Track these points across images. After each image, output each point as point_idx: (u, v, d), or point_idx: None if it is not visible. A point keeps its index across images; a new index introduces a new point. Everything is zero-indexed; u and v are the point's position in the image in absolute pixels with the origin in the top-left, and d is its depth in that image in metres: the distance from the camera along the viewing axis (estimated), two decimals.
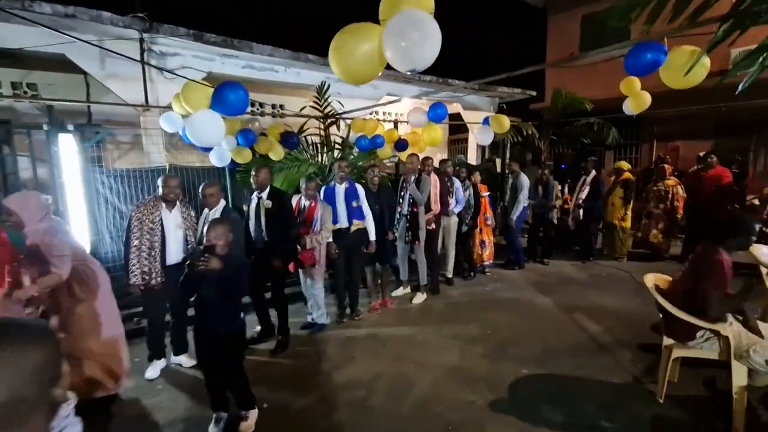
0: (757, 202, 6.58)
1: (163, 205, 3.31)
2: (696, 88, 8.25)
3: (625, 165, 6.91)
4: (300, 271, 4.19)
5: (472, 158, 9.05)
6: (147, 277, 3.20)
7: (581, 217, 6.60)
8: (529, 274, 6.16)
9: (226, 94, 2.68)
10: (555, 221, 6.80)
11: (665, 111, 8.21)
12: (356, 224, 4.25)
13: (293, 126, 5.77)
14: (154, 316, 3.44)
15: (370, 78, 1.81)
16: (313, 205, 3.99)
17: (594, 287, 5.46)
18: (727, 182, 6.34)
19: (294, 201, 4.12)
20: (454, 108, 9.38)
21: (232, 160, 4.73)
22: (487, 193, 6.02)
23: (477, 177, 5.96)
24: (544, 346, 3.77)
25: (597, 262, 6.68)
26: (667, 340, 2.85)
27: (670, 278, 3.07)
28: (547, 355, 3.60)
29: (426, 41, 1.58)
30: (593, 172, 6.59)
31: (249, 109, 7.04)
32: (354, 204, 4.26)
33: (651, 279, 3.00)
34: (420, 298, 5.04)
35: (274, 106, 7.34)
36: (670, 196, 6.49)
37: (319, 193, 4.27)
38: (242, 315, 2.60)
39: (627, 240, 6.77)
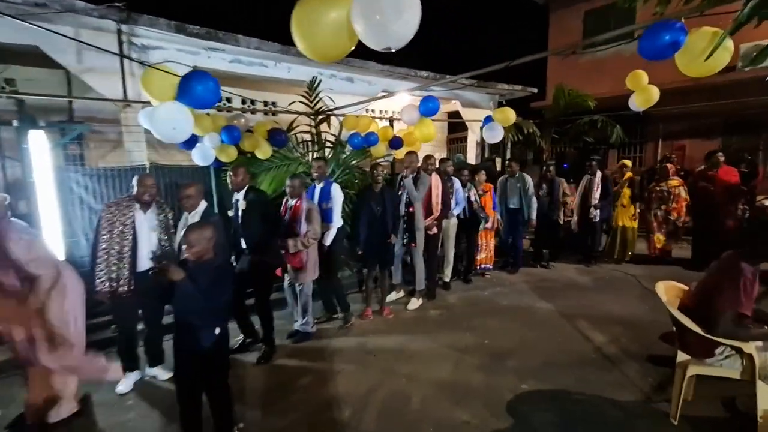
0: (767, 202, 6.32)
1: (137, 206, 3.06)
2: (703, 85, 7.99)
3: (628, 163, 6.63)
4: (286, 275, 3.94)
5: (472, 157, 8.79)
6: (114, 284, 2.95)
7: (597, 218, 6.29)
8: (529, 278, 5.89)
9: (192, 85, 2.44)
10: (561, 221, 6.43)
11: (672, 108, 7.95)
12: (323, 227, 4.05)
13: (284, 123, 5.54)
14: (123, 325, 3.20)
15: (339, 54, 1.55)
16: (297, 203, 3.74)
17: (598, 292, 5.19)
18: (735, 182, 6.07)
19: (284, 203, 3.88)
20: (452, 106, 9.13)
21: (216, 158, 4.50)
22: (480, 192, 5.67)
23: (482, 176, 5.71)
24: (546, 358, 3.51)
25: (600, 265, 6.41)
26: (681, 356, 2.59)
27: (684, 287, 2.80)
28: (548, 368, 3.34)
29: (403, 13, 1.32)
30: (599, 172, 6.32)
31: (241, 105, 6.85)
32: (323, 205, 4.04)
33: (663, 288, 2.75)
34: (415, 303, 4.79)
35: (266, 104, 7.10)
36: (672, 197, 6.22)
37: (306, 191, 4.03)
38: (225, 327, 2.34)
39: (634, 242, 6.50)
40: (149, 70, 2.54)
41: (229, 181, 3.37)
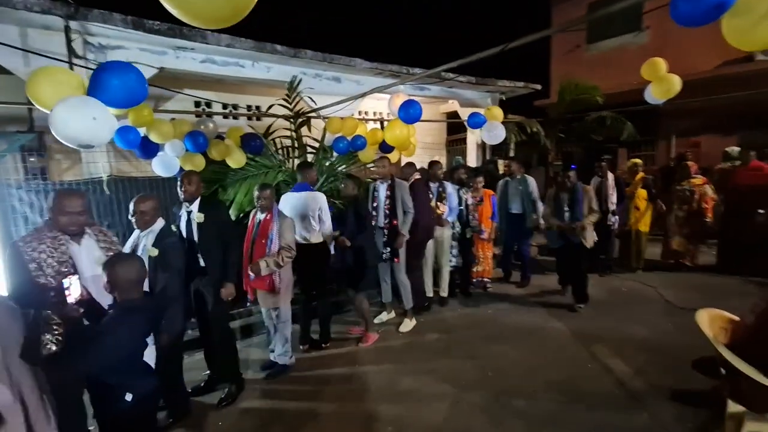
0: None
1: (67, 237, 2.26)
2: (720, 77, 7.38)
3: (639, 162, 6.06)
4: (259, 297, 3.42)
5: (472, 159, 8.26)
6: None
7: (616, 225, 5.72)
8: (536, 291, 5.34)
9: (106, 80, 1.94)
10: (587, 243, 4.52)
11: (686, 102, 7.38)
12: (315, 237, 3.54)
13: (264, 129, 5.06)
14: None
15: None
16: (268, 217, 3.23)
17: (615, 308, 4.63)
18: (765, 181, 5.50)
19: (251, 216, 3.38)
20: (450, 106, 8.62)
21: (181, 168, 4.02)
22: (476, 199, 5.12)
23: (479, 182, 5.18)
24: (560, 396, 2.96)
25: (615, 274, 5.84)
26: (733, 406, 2.05)
27: (733, 317, 2.26)
28: (564, 410, 2.80)
29: None
30: (610, 174, 5.76)
31: (222, 110, 6.36)
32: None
33: (707, 319, 2.21)
34: (408, 325, 4.26)
35: (249, 108, 6.63)
36: (696, 197, 5.65)
37: (278, 203, 3.53)
38: (146, 391, 1.80)
39: (647, 248, 5.93)
40: (40, 72, 2.03)
41: (179, 190, 2.87)
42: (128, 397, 1.66)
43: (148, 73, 4.48)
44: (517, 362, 3.49)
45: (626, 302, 4.78)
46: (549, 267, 6.40)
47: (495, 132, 4.54)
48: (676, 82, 3.84)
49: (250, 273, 3.11)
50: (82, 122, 1.94)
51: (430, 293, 4.86)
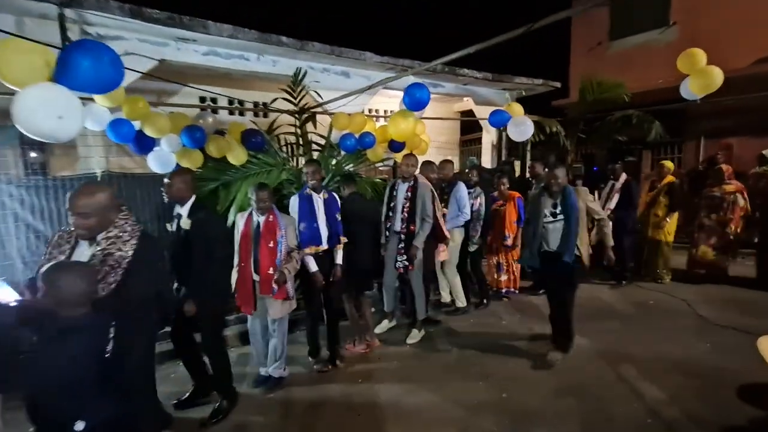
0: None
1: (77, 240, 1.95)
2: (755, 74, 6.88)
3: (670, 165, 5.63)
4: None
5: (487, 160, 7.92)
6: None
7: (609, 230, 5.37)
8: None
9: (77, 60, 1.70)
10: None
11: (718, 101, 6.93)
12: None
13: (268, 125, 4.84)
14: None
15: None
16: (271, 219, 2.97)
17: (641, 322, 4.26)
18: None
19: (242, 219, 3.11)
20: (465, 104, 8.30)
21: (178, 165, 3.81)
22: (498, 203, 4.82)
23: (503, 183, 4.87)
24: (583, 425, 2.64)
25: (637, 285, 5.44)
26: None
27: None
28: None
29: None
30: (623, 176, 5.38)
31: (228, 106, 6.16)
32: (338, 217, 3.36)
33: None
34: (416, 336, 3.98)
35: (256, 104, 6.41)
36: (725, 204, 5.22)
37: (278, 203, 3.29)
38: (102, 419, 1.56)
39: (671, 257, 5.50)
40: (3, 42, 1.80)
41: (165, 190, 2.63)
42: (78, 426, 1.42)
43: (147, 65, 4.30)
44: (533, 382, 3.16)
45: (655, 316, 4.39)
46: None
47: (523, 127, 4.22)
48: (717, 76, 3.47)
49: (275, 285, 2.87)
50: (46, 120, 1.72)
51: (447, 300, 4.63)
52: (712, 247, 5.36)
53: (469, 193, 4.52)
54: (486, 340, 3.95)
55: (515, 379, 3.21)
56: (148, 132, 3.46)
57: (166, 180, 2.61)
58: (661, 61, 8.52)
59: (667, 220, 5.38)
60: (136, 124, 3.48)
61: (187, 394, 2.95)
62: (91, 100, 3.29)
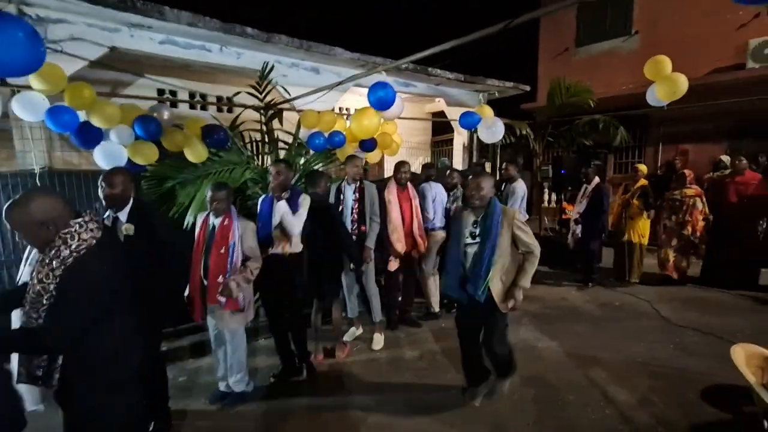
0: None
1: None
2: (709, 84, 7.20)
3: (644, 168, 5.78)
4: (208, 316, 2.90)
5: (458, 161, 7.91)
6: None
7: (580, 235, 5.51)
8: (526, 304, 4.96)
9: None
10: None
11: (674, 108, 7.22)
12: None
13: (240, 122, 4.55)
14: None
15: None
16: (226, 222, 2.74)
17: (609, 324, 4.31)
18: (761, 191, 5.32)
19: (200, 219, 2.88)
20: (437, 105, 8.26)
21: (132, 161, 3.50)
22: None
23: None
24: None
25: (605, 286, 5.55)
26: None
27: None
28: None
29: None
30: (596, 180, 5.49)
31: (189, 100, 5.76)
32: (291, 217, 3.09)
33: (743, 357, 1.86)
34: (380, 340, 3.86)
35: (220, 99, 6.08)
36: (685, 207, 5.41)
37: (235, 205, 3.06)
38: None
39: (642, 260, 5.65)
40: None
41: (101, 193, 2.34)
42: None
43: (96, 52, 3.94)
44: (508, 389, 3.10)
45: (621, 318, 4.47)
46: (537, 276, 6.12)
47: (494, 129, 4.17)
48: (682, 83, 3.55)
49: (220, 298, 2.61)
50: None
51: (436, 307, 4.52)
52: (674, 249, 5.54)
53: (448, 195, 4.45)
54: (456, 345, 3.85)
55: (488, 386, 3.12)
56: (95, 122, 3.14)
57: (102, 182, 2.32)
58: (625, 68, 8.85)
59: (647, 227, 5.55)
60: (81, 115, 3.15)
61: None
62: (28, 87, 2.95)
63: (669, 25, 8.41)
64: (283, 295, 3.16)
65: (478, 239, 2.56)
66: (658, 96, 3.71)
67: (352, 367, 3.50)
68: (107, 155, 3.34)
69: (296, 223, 3.00)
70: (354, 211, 3.67)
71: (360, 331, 4.06)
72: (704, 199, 5.36)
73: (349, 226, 3.65)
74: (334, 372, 3.43)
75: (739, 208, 5.30)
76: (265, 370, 3.42)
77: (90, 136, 3.24)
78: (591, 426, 2.65)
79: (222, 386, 2.97)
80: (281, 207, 2.95)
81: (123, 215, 2.35)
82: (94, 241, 1.54)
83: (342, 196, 3.72)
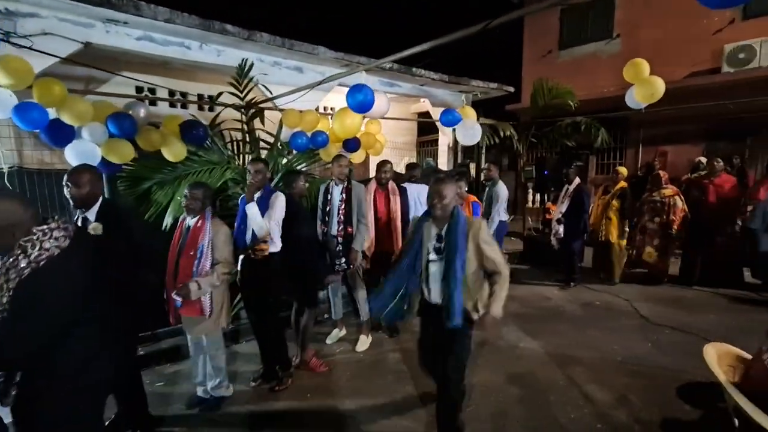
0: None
1: None
2: (687, 87, 7.37)
3: (624, 171, 5.89)
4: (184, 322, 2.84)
5: (443, 162, 7.93)
6: None
7: (561, 235, 5.57)
8: (509, 304, 4.96)
9: None
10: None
11: (654, 111, 7.37)
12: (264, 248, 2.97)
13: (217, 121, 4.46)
14: None
15: None
16: (199, 224, 2.67)
17: (590, 323, 4.37)
18: (736, 193, 5.46)
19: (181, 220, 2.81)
20: (422, 106, 8.26)
21: (106, 160, 3.40)
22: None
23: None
24: None
25: (585, 286, 5.62)
26: None
27: (744, 354, 1.95)
28: None
29: None
30: (576, 181, 5.56)
31: (168, 98, 5.63)
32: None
33: (715, 356, 1.88)
34: (364, 342, 3.82)
35: (201, 97, 5.97)
36: (666, 208, 5.53)
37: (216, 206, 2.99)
38: None
39: (622, 260, 5.75)
40: None
41: (66, 193, 2.26)
42: None
43: (69, 48, 3.82)
44: (489, 389, 3.11)
45: (601, 318, 4.53)
46: (520, 276, 6.18)
47: (471, 132, 4.18)
48: (660, 85, 3.61)
49: (176, 297, 2.54)
50: None
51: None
52: (655, 248, 5.65)
53: None
54: None
55: (468, 388, 3.12)
56: (66, 119, 3.04)
57: (67, 181, 2.23)
58: (607, 71, 8.99)
59: (626, 228, 5.65)
60: (52, 112, 3.04)
61: (112, 418, 2.58)
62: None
63: (649, 29, 8.58)
64: (264, 296, 3.10)
65: (443, 255, 2.21)
66: (636, 98, 3.77)
67: (335, 369, 3.46)
68: (79, 154, 3.23)
69: (264, 225, 2.91)
70: (340, 211, 3.60)
71: (343, 332, 4.03)
72: (682, 198, 5.49)
73: (335, 227, 3.59)
74: (316, 374, 3.38)
75: (714, 208, 5.43)
76: (246, 374, 3.35)
77: (61, 134, 3.13)
78: (570, 425, 2.67)
79: (200, 391, 2.91)
80: (252, 209, 2.89)
81: (91, 215, 2.27)
82: (58, 251, 1.44)
83: (329, 197, 3.66)
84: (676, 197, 5.47)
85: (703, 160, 6.64)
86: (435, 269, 2.24)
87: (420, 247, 2.28)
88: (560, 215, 5.58)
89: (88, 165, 2.53)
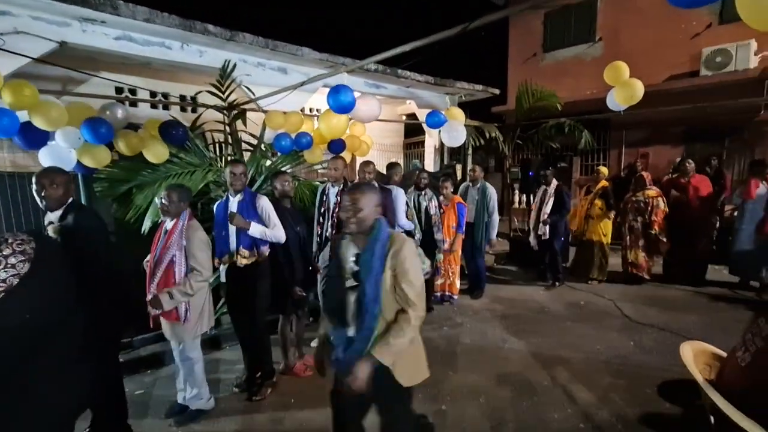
0: (736, 214, 5.86)
1: None
2: (667, 90, 7.53)
3: (604, 171, 5.98)
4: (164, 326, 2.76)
5: (430, 163, 7.96)
6: None
7: (547, 235, 5.62)
8: (495, 304, 5.05)
9: None
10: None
11: (636, 114, 7.51)
12: (245, 255, 2.91)
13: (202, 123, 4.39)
14: None
15: None
16: (175, 228, 2.60)
17: (574, 322, 4.41)
18: (709, 193, 5.59)
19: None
20: (408, 107, 8.29)
21: (79, 162, 3.32)
22: (437, 206, 4.72)
23: (448, 187, 4.78)
24: None
25: (570, 286, 5.68)
26: None
27: (719, 352, 1.98)
28: None
29: None
30: (554, 182, 5.60)
31: (150, 99, 5.51)
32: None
33: (691, 354, 1.90)
34: None
35: (183, 98, 5.88)
36: (649, 208, 5.63)
37: (195, 208, 2.93)
38: None
39: (606, 259, 5.82)
40: None
41: (36, 195, 2.18)
42: None
43: (44, 47, 3.72)
44: (474, 390, 3.10)
45: (585, 317, 4.57)
46: (507, 277, 6.22)
47: (455, 133, 4.18)
48: (639, 88, 3.67)
49: (151, 309, 2.46)
50: None
51: None
52: (642, 249, 5.74)
53: (420, 196, 4.46)
54: (426, 347, 3.85)
55: (455, 389, 3.12)
56: (39, 124, 2.95)
57: (36, 184, 2.16)
58: (590, 74, 9.12)
59: (609, 227, 5.72)
60: (22, 115, 2.95)
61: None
62: None
63: (630, 33, 8.75)
64: (251, 302, 3.03)
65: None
66: (616, 100, 3.83)
67: (316, 376, 3.41)
68: (54, 157, 3.15)
69: (276, 235, 2.91)
70: (334, 214, 3.53)
71: None
72: (664, 199, 5.59)
73: (329, 230, 3.54)
74: (299, 381, 3.33)
75: (689, 208, 5.54)
76: (228, 380, 3.29)
77: (34, 138, 3.05)
78: (554, 425, 2.68)
79: (180, 398, 2.83)
80: (256, 228, 2.86)
81: (55, 216, 2.19)
82: (17, 280, 1.31)
83: (325, 198, 3.61)
84: (659, 198, 5.57)
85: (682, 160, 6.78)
86: (351, 298, 1.74)
87: (339, 272, 1.80)
88: (545, 216, 5.60)
89: (57, 167, 2.43)
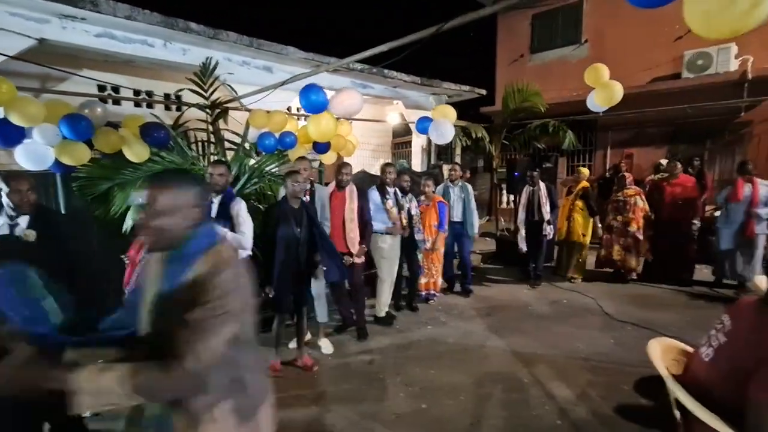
0: (717, 214, 5.98)
1: None
2: (651, 92, 7.63)
3: (585, 171, 6.06)
4: None
5: (417, 163, 7.99)
6: None
7: (551, 235, 5.66)
8: (480, 303, 5.09)
9: None
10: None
11: (620, 115, 7.63)
12: None
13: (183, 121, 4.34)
14: None
15: None
16: None
17: (557, 322, 4.46)
18: (693, 193, 5.69)
19: None
20: (396, 107, 8.30)
21: (57, 161, 3.27)
22: (417, 206, 4.74)
23: (429, 186, 4.85)
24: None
25: (553, 284, 5.75)
26: None
27: (686, 348, 2.02)
28: None
29: None
30: (542, 183, 5.64)
31: (134, 97, 5.43)
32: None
33: (659, 351, 1.94)
34: (328, 345, 3.78)
35: (167, 96, 5.83)
36: (628, 207, 5.72)
37: None
38: None
39: (586, 258, 5.91)
40: None
41: (4, 198, 2.15)
42: None
43: (22, 44, 3.66)
44: (455, 389, 3.13)
45: (567, 315, 4.63)
46: (492, 276, 6.27)
47: (443, 131, 4.20)
48: (618, 90, 3.72)
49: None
50: None
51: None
52: (622, 247, 5.83)
53: (404, 196, 4.51)
54: (408, 346, 3.88)
55: (435, 388, 3.14)
56: (15, 120, 2.90)
57: (5, 186, 2.13)
58: (575, 75, 9.17)
59: (589, 227, 5.79)
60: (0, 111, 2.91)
61: None
62: None
63: (614, 35, 8.87)
64: None
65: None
66: (596, 102, 3.88)
67: (301, 374, 3.42)
68: (31, 155, 3.10)
69: (241, 243, 2.86)
70: None
71: (308, 336, 3.98)
72: (643, 198, 5.68)
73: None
74: (284, 380, 3.33)
75: (674, 209, 5.64)
76: None
77: (9, 135, 3.00)
78: (532, 422, 2.72)
79: None
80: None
81: (23, 221, 2.16)
82: None
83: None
84: (638, 197, 5.67)
85: (663, 161, 6.90)
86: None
87: (140, 297, 1.28)
88: (548, 215, 5.58)
89: (26, 171, 2.39)
